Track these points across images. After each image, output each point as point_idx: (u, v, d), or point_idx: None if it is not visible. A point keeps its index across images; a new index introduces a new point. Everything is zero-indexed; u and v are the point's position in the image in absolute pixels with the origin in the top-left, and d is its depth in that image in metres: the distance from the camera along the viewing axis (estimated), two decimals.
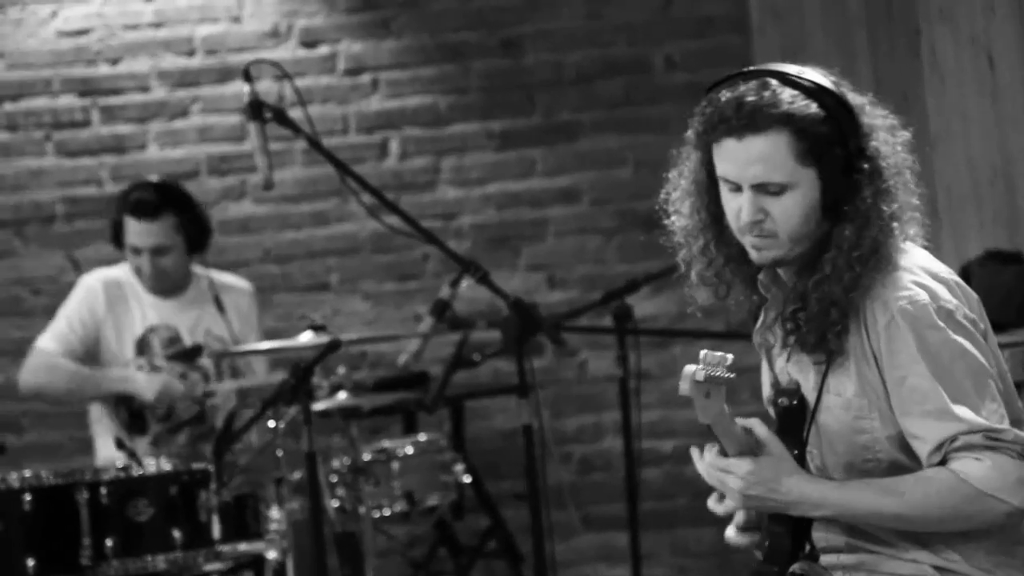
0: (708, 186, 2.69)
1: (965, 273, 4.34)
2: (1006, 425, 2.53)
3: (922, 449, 2.55)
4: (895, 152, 2.63)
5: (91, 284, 5.00)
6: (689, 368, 2.47)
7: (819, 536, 2.71)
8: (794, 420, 2.67)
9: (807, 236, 2.62)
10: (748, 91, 2.59)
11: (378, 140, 6.07)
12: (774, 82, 2.59)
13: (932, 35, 4.77)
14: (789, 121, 2.56)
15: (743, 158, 2.59)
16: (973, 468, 2.50)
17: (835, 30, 5.44)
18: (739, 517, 2.80)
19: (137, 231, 4.88)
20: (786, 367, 2.72)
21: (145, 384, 4.82)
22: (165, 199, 4.92)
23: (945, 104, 4.74)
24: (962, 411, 2.52)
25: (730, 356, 2.49)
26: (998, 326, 3.97)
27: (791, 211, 2.59)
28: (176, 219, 4.90)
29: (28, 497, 4.18)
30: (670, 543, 6.02)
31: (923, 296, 2.56)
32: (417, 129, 6.07)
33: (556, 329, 4.39)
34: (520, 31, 6.08)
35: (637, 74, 6.06)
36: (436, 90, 6.07)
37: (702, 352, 2.46)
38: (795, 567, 2.69)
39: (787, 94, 2.58)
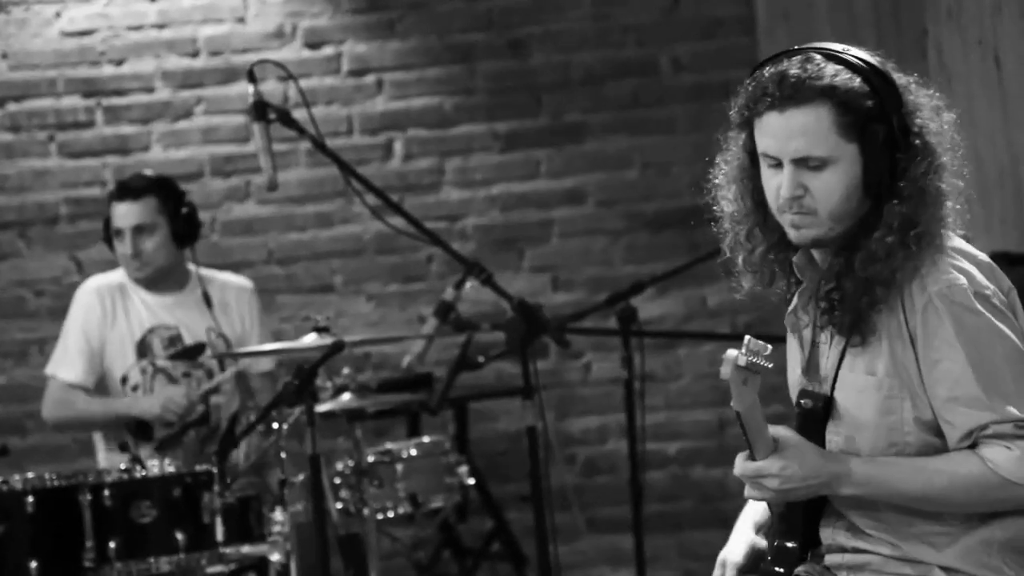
0: (752, 172, 2.68)
1: None
2: None
3: (952, 434, 2.54)
4: (943, 131, 2.62)
5: (85, 297, 4.97)
6: (731, 352, 2.44)
7: (825, 535, 2.70)
8: (816, 424, 2.65)
9: (847, 215, 2.60)
10: (791, 65, 2.59)
11: (382, 141, 6.06)
12: (818, 57, 2.59)
13: (939, 36, 4.76)
14: (832, 94, 2.55)
15: (784, 131, 2.57)
16: (1002, 457, 2.49)
17: (842, 31, 5.42)
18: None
19: (119, 213, 4.88)
20: (827, 352, 2.69)
21: (148, 404, 4.80)
22: (147, 182, 4.94)
23: (952, 105, 4.72)
24: (995, 400, 2.50)
25: (770, 346, 2.47)
26: None
27: (832, 187, 2.57)
28: (158, 201, 4.89)
29: (31, 499, 4.17)
30: (675, 545, 6.00)
31: (961, 280, 2.55)
32: (422, 130, 6.06)
33: (561, 331, 4.37)
34: (527, 32, 6.07)
35: (644, 75, 6.04)
36: (441, 91, 6.06)
37: (746, 338, 2.45)
38: (800, 569, 2.68)
39: (831, 68, 2.57)
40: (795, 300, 2.74)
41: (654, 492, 5.78)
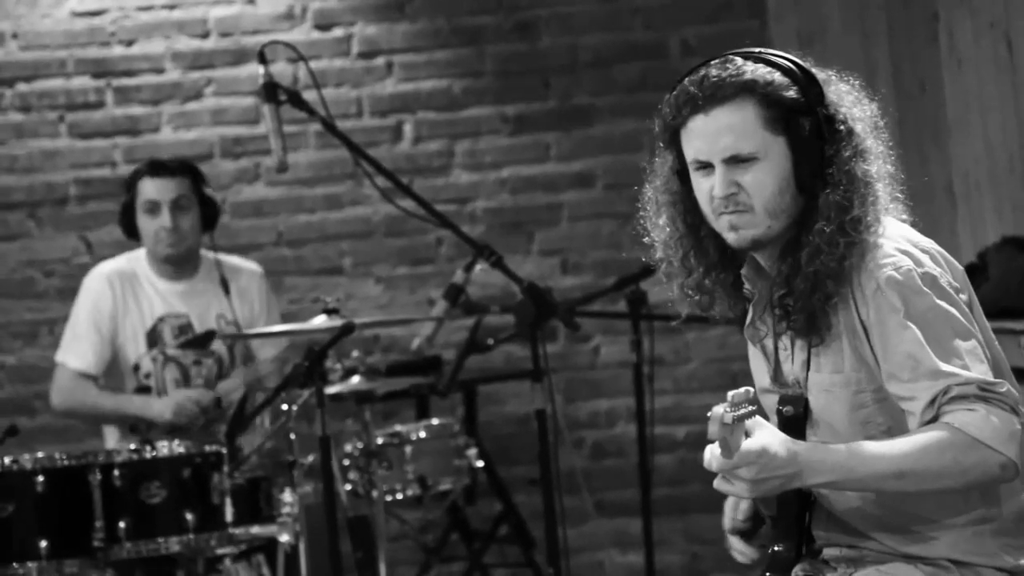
0: (682, 194, 2.69)
1: (982, 258, 4.32)
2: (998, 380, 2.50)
3: (915, 408, 2.50)
4: (866, 117, 2.63)
5: (95, 284, 4.98)
6: (717, 411, 2.40)
7: (819, 535, 2.70)
8: (799, 430, 2.63)
9: (782, 210, 2.60)
10: (711, 68, 2.62)
11: (392, 123, 6.06)
12: (737, 58, 2.62)
13: (950, 20, 4.75)
14: (754, 88, 2.58)
15: (712, 131, 2.59)
16: (967, 417, 2.45)
17: (853, 15, 5.41)
18: (740, 515, 2.82)
19: (156, 187, 4.89)
20: (790, 358, 2.68)
21: (160, 408, 4.81)
22: (180, 162, 5.02)
23: (963, 89, 4.72)
24: (953, 368, 2.48)
25: (752, 389, 2.46)
26: (1014, 312, 3.97)
27: (764, 181, 2.58)
28: (191, 182, 4.94)
29: (41, 479, 4.17)
30: (683, 529, 6.01)
31: (907, 262, 2.55)
32: (431, 113, 6.05)
33: (570, 314, 4.37)
34: (536, 14, 6.06)
35: (653, 59, 6.03)
36: (451, 74, 6.06)
37: (729, 393, 2.40)
38: (797, 568, 2.68)
39: (750, 65, 2.60)
40: (751, 312, 2.74)
41: (662, 476, 5.79)
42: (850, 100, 2.63)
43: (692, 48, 6.01)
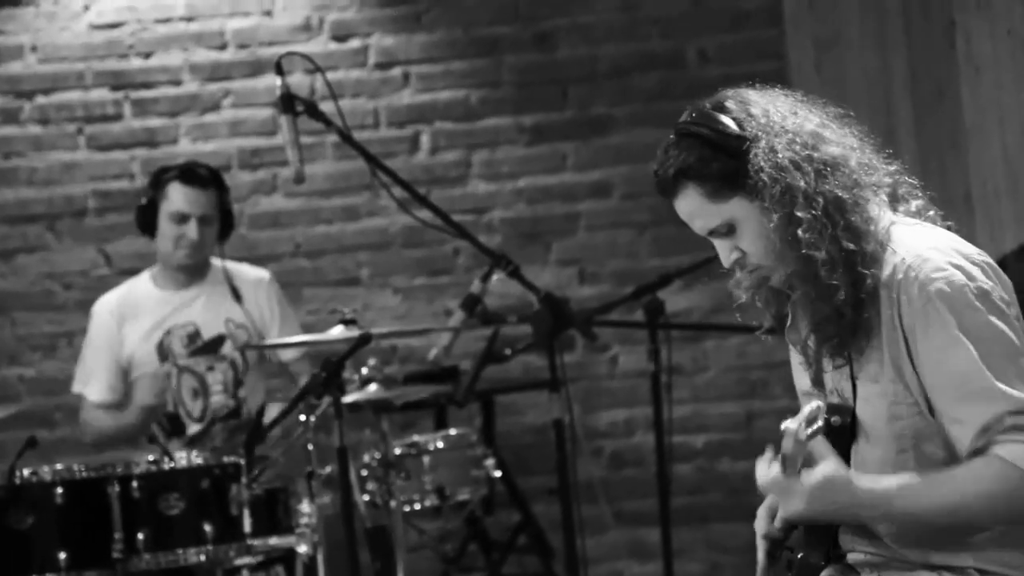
0: None
1: (1001, 266, 4.30)
2: None
3: (964, 434, 2.49)
4: (804, 131, 2.60)
5: (101, 313, 5.04)
6: (791, 427, 2.45)
7: (844, 541, 2.69)
8: (844, 439, 2.64)
9: (787, 253, 2.60)
10: (658, 155, 2.68)
11: (409, 134, 6.06)
12: (673, 138, 2.68)
13: (967, 26, 4.73)
14: (685, 175, 2.63)
15: (685, 217, 2.69)
16: (1021, 451, 2.44)
17: (870, 22, 5.40)
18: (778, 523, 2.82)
19: (188, 197, 4.89)
20: (834, 374, 2.68)
21: (140, 395, 4.87)
22: (210, 173, 5.00)
23: (980, 96, 4.70)
24: (1008, 390, 2.47)
25: (821, 404, 2.51)
26: None
27: (753, 240, 2.63)
28: (217, 195, 4.94)
29: (60, 490, 4.18)
30: (703, 539, 5.99)
31: (959, 277, 2.53)
32: (448, 123, 6.06)
33: (587, 324, 4.37)
34: (553, 25, 6.06)
35: (671, 68, 6.03)
36: (467, 84, 6.06)
37: (805, 409, 2.47)
38: (824, 574, 2.67)
39: (673, 151, 2.65)
40: (790, 316, 2.74)
41: (681, 485, 5.77)
42: (793, 120, 2.61)
43: (709, 57, 6.01)
